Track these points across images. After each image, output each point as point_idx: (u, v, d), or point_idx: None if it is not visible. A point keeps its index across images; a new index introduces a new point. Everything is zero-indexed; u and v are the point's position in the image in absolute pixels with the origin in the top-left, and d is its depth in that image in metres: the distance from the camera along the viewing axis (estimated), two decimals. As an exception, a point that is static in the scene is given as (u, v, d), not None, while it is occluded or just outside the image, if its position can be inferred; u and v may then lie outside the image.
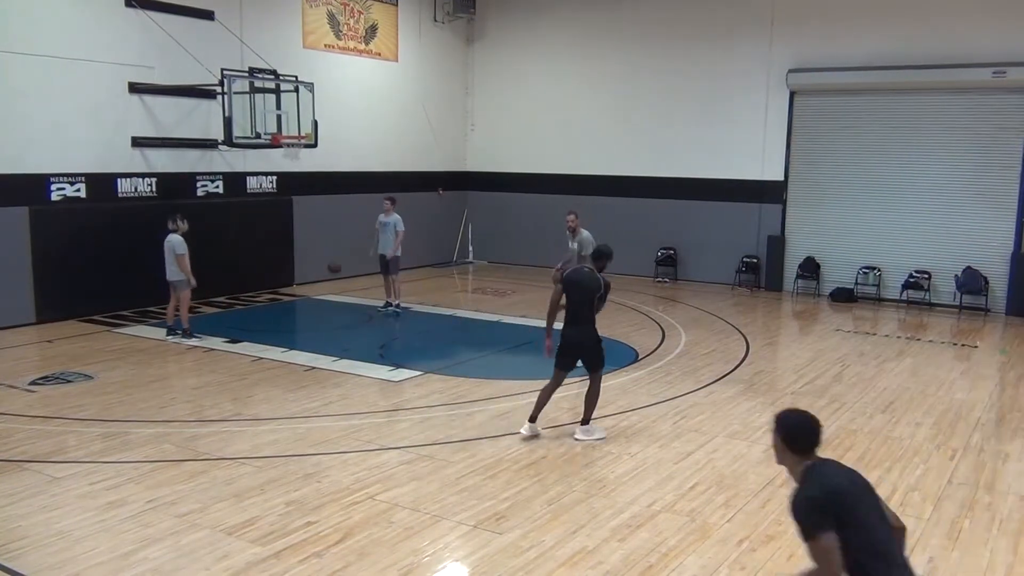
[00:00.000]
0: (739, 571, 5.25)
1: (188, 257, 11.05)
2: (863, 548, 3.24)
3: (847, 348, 11.66)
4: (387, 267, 13.17)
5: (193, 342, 11.10)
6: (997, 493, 6.61)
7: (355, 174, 16.99)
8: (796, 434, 3.48)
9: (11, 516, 5.86)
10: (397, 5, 17.88)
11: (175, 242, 11.02)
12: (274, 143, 13.65)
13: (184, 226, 11.15)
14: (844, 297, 15.52)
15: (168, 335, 11.33)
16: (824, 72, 15.52)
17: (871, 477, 6.73)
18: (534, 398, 7.71)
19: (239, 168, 14.90)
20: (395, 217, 13.02)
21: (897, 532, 3.45)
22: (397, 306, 13.28)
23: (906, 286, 15.25)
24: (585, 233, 10.65)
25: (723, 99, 16.79)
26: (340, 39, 16.63)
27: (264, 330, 12.35)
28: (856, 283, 15.69)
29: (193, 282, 11.13)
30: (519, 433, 7.62)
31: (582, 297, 7.43)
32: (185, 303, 11.29)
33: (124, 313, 12.83)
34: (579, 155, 18.63)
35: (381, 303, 13.54)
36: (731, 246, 16.88)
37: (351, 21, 16.85)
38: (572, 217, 10.90)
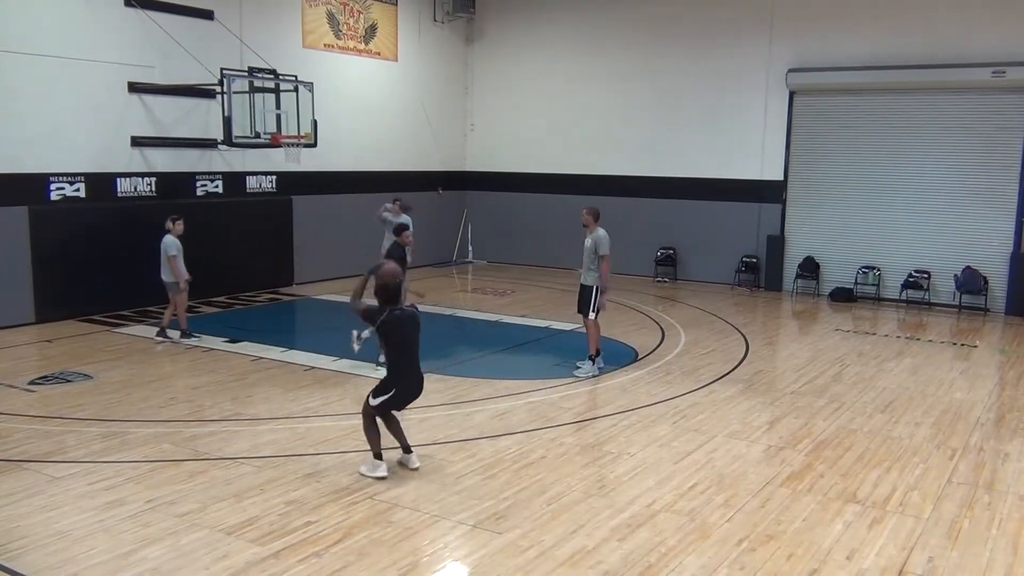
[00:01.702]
0: (738, 571, 5.25)
1: (181, 258, 10.88)
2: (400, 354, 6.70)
3: (847, 348, 11.66)
4: None
5: (193, 341, 11.07)
6: (997, 493, 6.61)
7: (355, 174, 16.99)
8: (384, 296, 6.63)
9: (10, 516, 5.86)
10: (396, 5, 17.88)
11: (167, 243, 10.88)
12: (274, 143, 13.64)
13: (178, 228, 10.98)
14: (844, 297, 15.52)
15: (156, 335, 11.18)
16: (824, 72, 15.52)
17: (871, 476, 6.81)
18: (533, 398, 7.70)
19: (238, 168, 14.90)
20: (404, 218, 12.80)
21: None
22: None
23: (905, 286, 15.25)
24: (600, 232, 9.83)
25: (723, 99, 16.79)
26: (340, 39, 16.63)
27: (264, 330, 12.36)
28: (856, 283, 15.69)
29: (183, 284, 10.96)
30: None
31: None
32: (182, 305, 11.16)
33: (124, 313, 12.83)
34: (579, 155, 18.62)
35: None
36: (731, 246, 16.89)
37: (351, 21, 16.85)
38: (583, 212, 9.99)
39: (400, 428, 6.92)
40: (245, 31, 14.51)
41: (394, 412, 6.85)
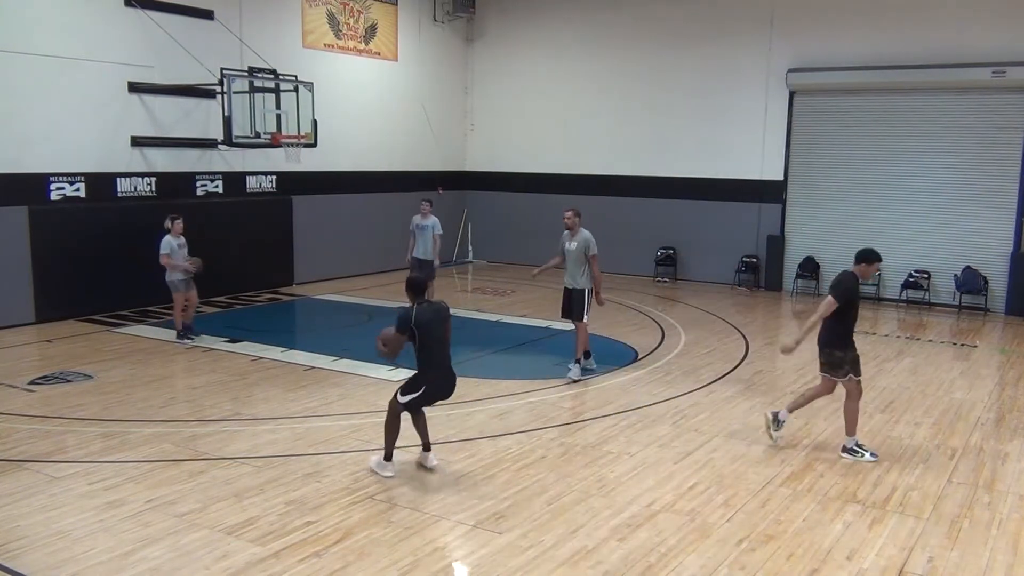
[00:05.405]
0: (739, 571, 5.25)
1: (178, 257, 10.82)
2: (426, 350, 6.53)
3: (847, 348, 11.63)
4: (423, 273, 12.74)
5: (185, 343, 10.95)
6: (997, 493, 6.61)
7: (355, 174, 17.00)
8: (412, 289, 6.66)
9: (10, 516, 5.86)
10: (397, 5, 17.88)
11: (161, 244, 10.83)
12: (274, 143, 13.64)
13: (177, 227, 10.89)
14: (844, 297, 15.49)
15: (182, 338, 11.10)
16: (824, 72, 15.52)
17: (871, 477, 6.80)
18: (533, 398, 7.68)
19: (238, 168, 14.90)
20: (433, 220, 12.57)
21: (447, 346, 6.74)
22: None
23: (905, 286, 15.25)
24: (585, 233, 9.68)
25: (723, 99, 16.79)
26: (340, 39, 16.63)
27: (264, 330, 12.35)
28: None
29: (192, 268, 10.90)
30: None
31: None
32: (177, 305, 11.08)
33: (124, 313, 12.84)
34: (579, 155, 18.62)
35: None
36: (731, 246, 16.89)
37: (351, 21, 16.85)
38: (570, 214, 9.74)
39: (424, 425, 6.92)
40: (245, 31, 14.51)
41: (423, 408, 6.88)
